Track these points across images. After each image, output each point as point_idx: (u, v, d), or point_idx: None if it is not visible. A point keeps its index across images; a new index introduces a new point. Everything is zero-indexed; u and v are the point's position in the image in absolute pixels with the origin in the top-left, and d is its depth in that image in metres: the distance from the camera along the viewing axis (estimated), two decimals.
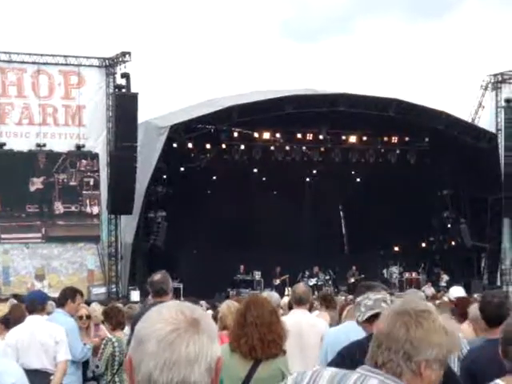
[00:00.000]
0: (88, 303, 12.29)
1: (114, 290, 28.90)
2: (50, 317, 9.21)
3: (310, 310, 9.65)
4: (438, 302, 14.21)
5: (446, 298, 15.84)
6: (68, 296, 9.31)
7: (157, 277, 7.62)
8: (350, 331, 5.94)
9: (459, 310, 9.97)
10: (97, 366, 9.03)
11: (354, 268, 32.78)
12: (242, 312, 5.70)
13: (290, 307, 9.51)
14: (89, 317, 9.76)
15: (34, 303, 8.59)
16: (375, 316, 4.87)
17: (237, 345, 5.54)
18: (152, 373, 2.02)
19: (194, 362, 2.02)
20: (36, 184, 27.95)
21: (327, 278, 32.54)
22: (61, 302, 9.31)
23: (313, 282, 30.69)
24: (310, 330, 7.95)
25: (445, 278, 32.73)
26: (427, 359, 2.72)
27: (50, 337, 8.25)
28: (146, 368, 2.03)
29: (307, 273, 32.31)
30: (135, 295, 27.01)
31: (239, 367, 5.51)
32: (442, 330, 2.78)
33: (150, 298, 9.70)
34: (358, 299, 5.26)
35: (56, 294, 14.71)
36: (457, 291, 11.29)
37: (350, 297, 16.98)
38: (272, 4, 73.06)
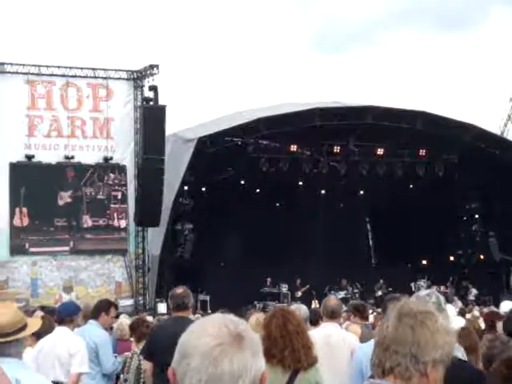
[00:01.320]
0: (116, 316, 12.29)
1: (142, 302, 28.94)
2: (81, 328, 9.21)
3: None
4: (468, 316, 14.08)
5: (476, 312, 15.72)
6: (102, 308, 9.30)
7: (178, 291, 7.59)
8: None
9: (486, 324, 9.85)
10: (125, 380, 9.01)
11: (381, 281, 32.62)
12: (266, 323, 5.67)
13: (317, 320, 9.41)
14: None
15: (61, 315, 8.59)
16: None
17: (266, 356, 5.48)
18: None
19: (238, 378, 2.01)
20: (64, 198, 28.11)
21: (355, 291, 32.40)
22: (94, 315, 9.30)
23: (341, 294, 30.54)
24: (340, 344, 7.80)
25: (473, 291, 32.47)
26: (434, 360, 2.74)
27: (66, 349, 8.24)
28: (189, 382, 2.02)
29: (335, 286, 32.21)
30: (162, 307, 27.02)
31: (275, 380, 5.41)
32: (445, 331, 2.80)
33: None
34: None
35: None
36: (508, 305, 10.98)
37: (378, 310, 16.88)
38: (300, 17, 73.20)
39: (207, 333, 2.04)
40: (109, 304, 9.54)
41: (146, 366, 7.73)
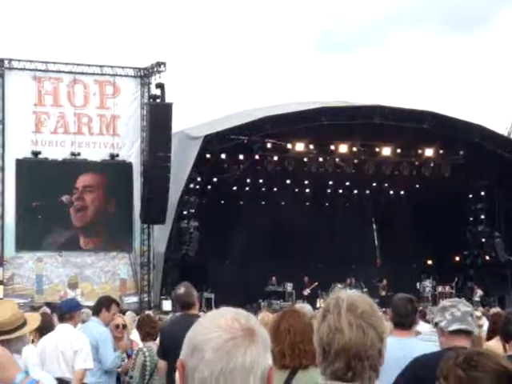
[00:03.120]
0: (121, 312, 12.29)
1: (146, 299, 28.95)
2: (84, 325, 9.24)
3: None
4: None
5: (478, 313, 15.66)
6: (103, 305, 9.32)
7: (180, 291, 7.59)
8: (406, 346, 5.76)
9: (491, 326, 9.81)
10: (131, 377, 9.02)
11: (384, 281, 32.59)
12: (277, 320, 5.66)
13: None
14: (125, 326, 9.75)
15: (61, 312, 8.62)
16: (459, 331, 4.83)
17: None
18: (207, 381, 2.00)
19: (249, 372, 2.01)
20: (70, 193, 28.13)
21: (359, 290, 32.36)
22: (95, 311, 9.33)
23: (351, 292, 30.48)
24: None
25: (479, 292, 32.40)
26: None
27: (70, 345, 8.27)
28: (200, 375, 2.01)
29: (340, 285, 32.15)
30: (167, 305, 27.03)
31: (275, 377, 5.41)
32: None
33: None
34: (445, 304, 5.05)
35: (89, 303, 14.81)
36: None
37: (383, 310, 16.82)
38: (307, 16, 73.15)
39: (219, 326, 2.04)
40: (110, 301, 9.56)
41: (161, 364, 7.76)
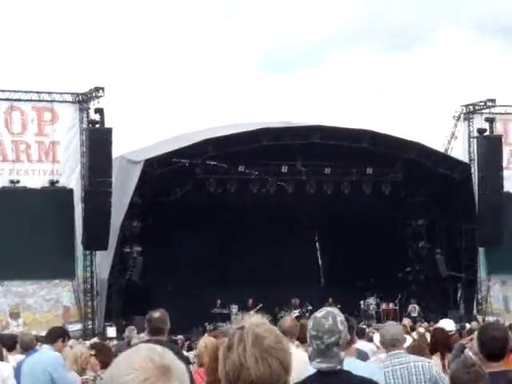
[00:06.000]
0: None
1: (90, 326, 28.63)
2: (39, 353, 9.11)
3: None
4: (414, 333, 14.20)
5: (421, 330, 15.82)
6: (59, 336, 9.23)
7: (156, 315, 7.54)
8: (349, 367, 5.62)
9: (432, 341, 9.91)
10: None
11: (330, 300, 32.69)
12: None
13: None
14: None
15: None
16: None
17: (213, 379, 5.47)
18: None
19: None
20: (11, 221, 27.67)
21: (306, 310, 32.42)
22: (50, 340, 9.20)
23: (295, 313, 30.54)
24: (296, 364, 7.75)
25: (416, 308, 32.71)
26: None
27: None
28: None
29: (286, 306, 32.20)
30: (111, 331, 26.77)
31: None
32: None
33: (142, 335, 9.58)
34: (311, 332, 4.67)
35: (33, 332, 14.56)
36: (446, 324, 11.13)
37: None
38: (249, 37, 73.58)
39: (134, 368, 2.04)
40: (65, 332, 9.54)
41: None
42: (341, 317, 4.60)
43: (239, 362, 2.68)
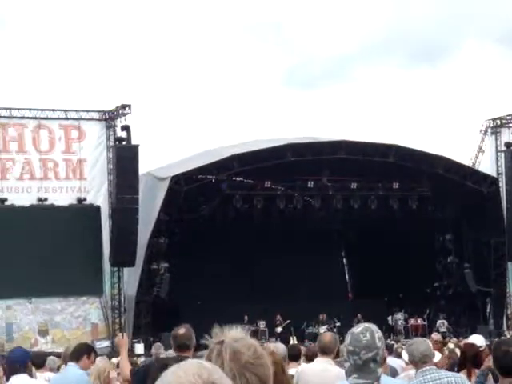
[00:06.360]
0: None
1: None
2: (63, 371, 9.05)
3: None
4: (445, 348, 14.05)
5: (451, 345, 15.68)
6: (84, 352, 9.17)
7: (181, 331, 7.48)
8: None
9: (461, 357, 9.81)
10: None
11: (359, 315, 32.54)
12: None
13: (310, 356, 9.32)
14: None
15: (12, 363, 8.22)
16: None
17: None
18: None
19: None
20: (39, 238, 27.79)
21: (333, 325, 32.30)
22: (75, 357, 9.14)
23: (324, 329, 30.41)
24: (332, 380, 7.73)
25: (445, 323, 32.48)
26: None
27: None
28: None
29: (313, 322, 32.09)
30: (139, 348, 26.79)
31: None
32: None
33: (170, 352, 9.53)
34: (349, 348, 4.67)
35: (60, 349, 14.61)
36: (476, 339, 11.00)
37: None
38: (273, 53, 73.69)
39: (181, 382, 2.02)
40: (90, 348, 9.44)
41: None
42: (379, 333, 4.62)
43: None
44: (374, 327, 4.68)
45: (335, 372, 8.01)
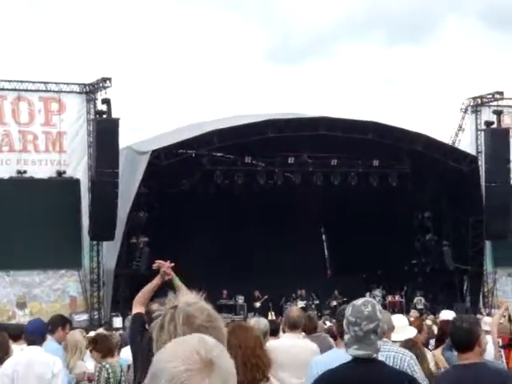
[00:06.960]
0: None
1: (97, 316, 28.70)
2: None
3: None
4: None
5: (428, 322, 15.80)
6: (59, 324, 9.19)
7: (154, 307, 7.52)
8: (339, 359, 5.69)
9: (438, 334, 9.92)
10: None
11: (336, 292, 32.74)
12: (227, 337, 5.62)
13: (277, 331, 9.37)
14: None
15: (33, 335, 8.21)
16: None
17: None
18: None
19: None
20: (18, 211, 27.69)
21: (309, 302, 32.47)
22: (51, 329, 9.16)
23: (301, 304, 30.57)
24: (302, 355, 7.73)
25: (422, 300, 32.76)
26: None
27: (49, 369, 7.87)
28: None
29: (291, 297, 32.23)
30: (118, 322, 26.83)
31: None
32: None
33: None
34: (350, 319, 4.81)
35: None
36: (446, 315, 11.14)
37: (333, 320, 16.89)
38: (255, 28, 73.49)
39: (177, 356, 2.01)
40: (65, 320, 9.47)
41: None
42: (379, 306, 4.73)
43: (170, 341, 2.68)
44: (374, 301, 4.84)
45: (307, 347, 8.03)
